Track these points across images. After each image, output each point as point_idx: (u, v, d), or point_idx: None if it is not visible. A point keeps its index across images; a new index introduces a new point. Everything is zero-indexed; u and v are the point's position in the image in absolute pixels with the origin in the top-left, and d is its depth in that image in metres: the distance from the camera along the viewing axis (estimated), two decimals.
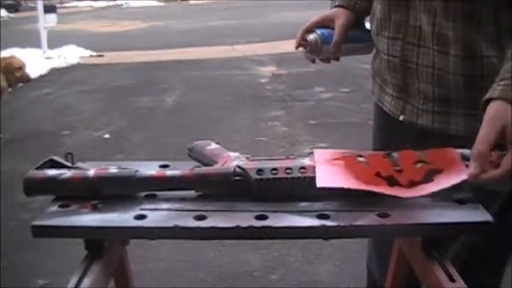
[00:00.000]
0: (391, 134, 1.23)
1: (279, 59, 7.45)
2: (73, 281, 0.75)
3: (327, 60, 1.24)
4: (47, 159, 0.91)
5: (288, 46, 8.02)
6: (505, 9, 1.00)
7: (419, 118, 1.13)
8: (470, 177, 0.81)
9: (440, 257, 0.80)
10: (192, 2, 21.69)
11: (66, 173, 0.86)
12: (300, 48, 1.23)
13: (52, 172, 0.86)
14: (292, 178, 0.85)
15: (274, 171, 0.85)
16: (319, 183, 0.83)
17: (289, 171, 0.85)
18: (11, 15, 17.18)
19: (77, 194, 0.85)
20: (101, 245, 0.82)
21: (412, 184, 0.84)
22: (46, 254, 2.50)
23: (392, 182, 0.84)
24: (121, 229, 0.80)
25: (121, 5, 21.49)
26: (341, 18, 1.20)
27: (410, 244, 0.90)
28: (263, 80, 6.35)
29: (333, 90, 5.35)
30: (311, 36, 1.19)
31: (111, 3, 21.83)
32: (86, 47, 8.80)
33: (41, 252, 2.50)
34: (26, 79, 4.52)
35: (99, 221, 0.80)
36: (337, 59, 1.24)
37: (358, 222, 0.78)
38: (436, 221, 0.79)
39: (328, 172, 0.85)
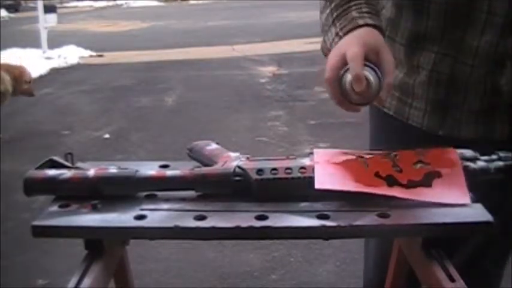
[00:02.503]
0: (414, 145, 1.18)
1: (280, 59, 7.45)
2: (73, 281, 0.75)
3: (357, 110, 0.93)
4: (47, 159, 0.91)
5: (288, 46, 8.05)
6: None
7: (461, 131, 1.09)
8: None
9: (440, 257, 0.80)
10: (192, 2, 21.70)
11: (66, 173, 0.86)
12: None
13: (52, 172, 0.86)
14: (292, 178, 0.85)
15: (274, 171, 0.85)
16: (318, 185, 0.83)
17: (289, 171, 0.85)
18: (11, 15, 17.19)
19: (77, 194, 0.85)
20: (101, 245, 0.82)
21: (412, 184, 0.84)
22: (46, 254, 2.51)
23: (391, 181, 0.84)
24: (121, 229, 0.80)
25: (121, 5, 21.52)
26: (386, 48, 0.89)
27: (410, 244, 0.90)
28: (263, 80, 6.36)
29: None
30: (369, 74, 0.85)
31: (111, 3, 21.85)
32: (86, 47, 8.81)
33: (41, 252, 2.51)
34: (30, 94, 4.56)
35: (99, 221, 0.80)
36: (381, 104, 1.01)
37: (358, 222, 0.78)
38: (436, 221, 0.79)
39: (327, 173, 0.85)
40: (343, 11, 0.97)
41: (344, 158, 0.89)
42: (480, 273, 1.21)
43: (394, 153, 0.90)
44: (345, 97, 0.88)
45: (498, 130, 1.08)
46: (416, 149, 0.90)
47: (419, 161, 0.87)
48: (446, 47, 1.06)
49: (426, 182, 0.85)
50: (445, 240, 0.81)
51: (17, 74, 4.38)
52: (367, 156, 0.89)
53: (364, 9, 0.95)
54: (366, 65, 0.85)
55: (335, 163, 0.87)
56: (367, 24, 0.92)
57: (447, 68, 1.07)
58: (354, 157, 0.89)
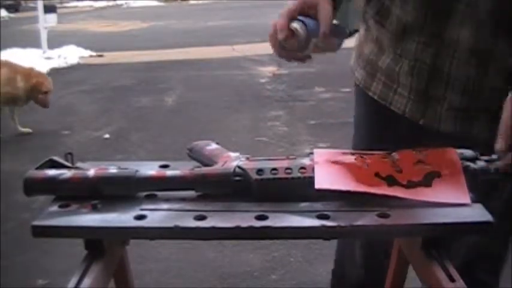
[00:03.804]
0: (391, 130, 1.19)
1: (279, 59, 7.44)
2: (73, 281, 0.75)
3: (302, 59, 1.04)
4: (47, 159, 0.91)
5: None
6: None
7: (442, 123, 1.10)
8: (499, 151, 0.84)
9: (440, 257, 0.80)
10: (192, 2, 21.71)
11: (66, 173, 0.86)
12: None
13: (52, 172, 0.86)
14: (292, 178, 0.85)
15: (274, 171, 0.85)
16: (318, 185, 0.83)
17: (289, 171, 0.85)
18: (11, 15, 17.19)
19: (77, 194, 0.85)
20: (101, 245, 0.82)
21: (411, 185, 0.84)
22: (46, 254, 2.51)
23: (391, 181, 0.84)
24: (121, 229, 0.80)
25: (121, 5, 21.52)
26: (325, 6, 0.98)
27: (410, 244, 0.90)
28: (263, 80, 6.36)
29: (333, 90, 5.35)
30: (296, 25, 0.95)
31: (111, 3, 21.86)
32: (86, 47, 8.81)
33: (41, 252, 2.51)
34: (44, 105, 4.49)
35: (99, 221, 0.80)
36: (309, 57, 1.03)
37: (358, 222, 0.78)
38: (436, 221, 0.79)
39: (327, 173, 0.85)
40: None
41: (344, 158, 0.89)
42: (472, 283, 1.21)
43: (394, 153, 0.90)
44: (282, 48, 0.99)
45: (476, 130, 1.09)
46: (416, 148, 0.91)
47: (419, 161, 0.87)
48: (427, 37, 1.07)
49: (426, 182, 0.85)
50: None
51: (34, 83, 4.35)
52: (367, 156, 0.89)
53: None
54: (298, 19, 0.96)
55: (335, 163, 0.87)
56: None
57: (429, 59, 1.08)
58: (353, 157, 0.89)
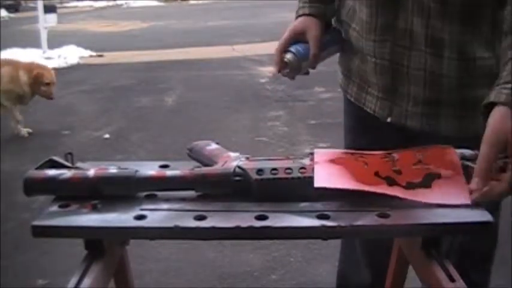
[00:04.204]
0: (372, 133, 1.21)
1: None
2: (73, 281, 0.75)
3: (306, 73, 1.20)
4: (47, 159, 0.91)
5: None
6: (501, 9, 0.98)
7: (408, 120, 1.12)
8: (473, 192, 0.81)
9: (440, 257, 0.80)
10: (192, 2, 21.71)
11: (66, 173, 0.86)
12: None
13: (52, 172, 0.86)
14: (292, 178, 0.85)
15: (274, 171, 0.85)
16: (317, 184, 0.83)
17: (289, 171, 0.85)
18: (11, 15, 17.19)
19: (77, 194, 0.85)
20: (101, 245, 0.82)
21: (411, 186, 0.84)
22: (46, 254, 2.50)
23: (391, 182, 0.84)
24: (121, 229, 0.80)
25: (121, 5, 21.52)
26: (312, 29, 1.14)
27: (410, 244, 0.90)
28: (263, 80, 6.36)
29: (333, 90, 5.34)
30: (288, 56, 1.14)
31: (111, 3, 21.86)
32: (86, 47, 8.81)
33: (41, 252, 2.51)
34: (49, 97, 4.44)
35: (99, 221, 0.80)
36: (314, 68, 1.19)
37: (358, 222, 0.78)
38: (436, 221, 0.79)
39: (326, 172, 0.85)
40: None
41: (344, 157, 0.89)
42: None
43: (394, 154, 0.90)
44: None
45: (442, 124, 1.10)
46: (416, 148, 0.91)
47: (419, 162, 0.87)
48: (382, 33, 1.10)
49: (426, 183, 0.85)
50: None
51: (35, 75, 4.32)
52: (367, 156, 0.89)
53: None
54: (288, 50, 1.15)
55: (335, 163, 0.87)
56: (304, 14, 1.18)
57: (388, 54, 1.10)
58: (353, 157, 0.89)
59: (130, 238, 0.93)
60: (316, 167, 0.86)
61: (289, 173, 0.85)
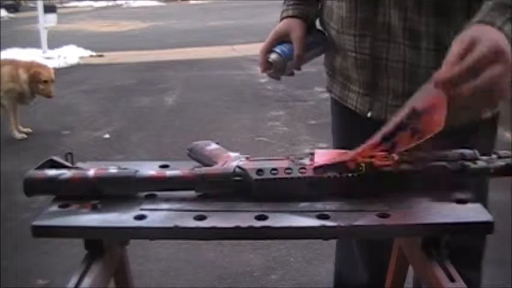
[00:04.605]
0: (356, 131, 1.22)
1: None
2: (73, 281, 0.75)
3: (290, 74, 1.22)
4: (47, 159, 0.91)
5: None
6: None
7: (388, 114, 1.13)
8: (439, 78, 0.79)
9: (440, 257, 0.80)
10: (192, 2, 21.71)
11: (66, 173, 0.86)
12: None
13: (52, 172, 0.86)
14: (292, 178, 0.85)
15: (274, 171, 0.85)
16: (316, 164, 0.84)
17: (289, 171, 0.85)
18: (11, 15, 17.19)
19: (77, 194, 0.85)
20: (101, 245, 0.82)
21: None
22: (46, 254, 2.50)
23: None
24: (121, 229, 0.80)
25: (121, 5, 21.52)
26: (296, 30, 1.17)
27: (410, 244, 0.90)
28: (263, 80, 6.35)
29: None
30: (273, 57, 1.16)
31: (111, 3, 21.86)
32: (86, 47, 8.81)
33: (41, 252, 2.51)
34: (47, 95, 4.41)
35: (99, 221, 0.80)
36: (299, 69, 1.21)
37: (358, 222, 0.78)
38: (436, 221, 0.79)
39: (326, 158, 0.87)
40: None
41: (343, 156, 0.89)
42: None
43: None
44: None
45: None
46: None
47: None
48: (362, 27, 1.11)
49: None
50: None
51: (32, 73, 4.32)
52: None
53: (291, 1, 1.24)
54: (272, 50, 1.16)
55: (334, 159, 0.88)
56: (288, 16, 1.21)
57: (368, 49, 1.12)
58: (353, 155, 0.89)
59: (130, 238, 0.93)
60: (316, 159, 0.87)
61: (289, 173, 0.85)
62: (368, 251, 1.36)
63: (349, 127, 1.26)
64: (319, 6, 1.26)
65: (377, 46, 1.10)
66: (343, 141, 1.29)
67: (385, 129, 0.87)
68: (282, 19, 1.23)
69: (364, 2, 1.10)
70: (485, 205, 1.15)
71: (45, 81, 4.34)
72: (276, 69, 1.17)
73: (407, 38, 1.07)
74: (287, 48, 1.16)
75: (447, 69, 0.79)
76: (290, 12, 1.22)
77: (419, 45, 1.06)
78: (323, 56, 1.28)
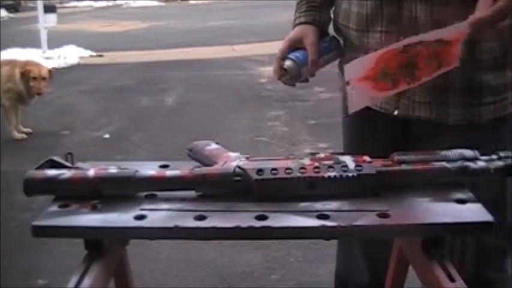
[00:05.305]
0: (379, 130, 1.23)
1: None
2: (73, 281, 0.75)
3: (305, 80, 1.23)
4: (47, 159, 0.91)
5: None
6: None
7: (415, 111, 1.13)
8: (475, 18, 0.92)
9: (440, 257, 0.80)
10: (192, 2, 21.71)
11: (66, 173, 0.86)
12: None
13: (52, 172, 0.86)
14: (292, 178, 0.85)
15: (274, 171, 0.85)
16: (352, 109, 0.90)
17: (289, 171, 0.85)
18: (11, 15, 17.20)
19: (77, 194, 0.85)
20: (101, 245, 0.82)
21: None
22: (46, 254, 2.50)
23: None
24: (121, 229, 0.80)
25: (121, 5, 21.52)
26: (309, 36, 1.18)
27: (410, 244, 0.90)
28: (263, 80, 6.36)
29: (333, 90, 5.34)
30: (287, 63, 1.17)
31: (111, 3, 21.86)
32: (86, 47, 8.81)
33: (41, 252, 2.51)
34: (36, 92, 4.37)
35: (99, 221, 0.80)
36: (313, 75, 1.22)
37: (358, 222, 0.78)
38: (436, 221, 0.79)
39: (358, 94, 0.93)
40: (297, 5, 1.27)
41: (370, 69, 0.95)
42: (483, 282, 1.21)
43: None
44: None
45: (451, 113, 1.11)
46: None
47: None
48: (388, 24, 1.12)
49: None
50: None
51: (22, 72, 4.31)
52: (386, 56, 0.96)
53: (303, 9, 1.24)
54: (287, 57, 1.18)
55: (365, 79, 0.95)
56: (300, 23, 1.22)
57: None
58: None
59: (130, 238, 0.93)
60: (348, 91, 0.94)
61: (289, 173, 0.85)
62: (369, 251, 1.36)
63: (372, 127, 1.25)
64: (332, 13, 1.27)
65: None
66: (362, 140, 1.28)
67: (407, 40, 0.95)
68: (294, 26, 1.23)
69: None
70: (505, 205, 1.16)
71: (34, 78, 4.31)
72: (291, 76, 1.18)
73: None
74: (301, 55, 1.17)
75: (480, 12, 0.91)
76: (303, 19, 1.22)
77: None
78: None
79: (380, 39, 1.13)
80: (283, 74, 1.19)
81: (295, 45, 1.19)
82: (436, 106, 1.12)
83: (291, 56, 1.18)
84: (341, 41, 1.25)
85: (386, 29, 1.12)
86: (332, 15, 1.28)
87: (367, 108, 1.21)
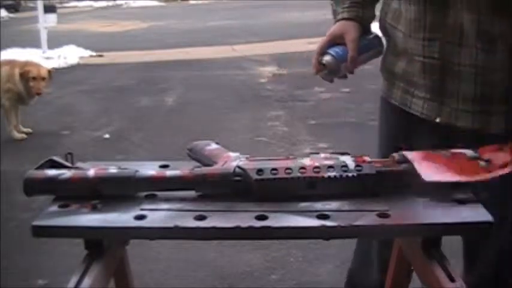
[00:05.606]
0: (421, 136, 1.20)
1: (279, 59, 7.45)
2: (73, 281, 0.76)
3: (344, 77, 1.22)
4: (47, 159, 0.91)
5: (288, 46, 8.06)
6: None
7: (458, 119, 1.11)
8: None
9: (440, 257, 0.80)
10: (192, 2, 21.70)
11: (66, 173, 0.86)
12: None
13: (52, 172, 0.86)
14: (292, 178, 0.85)
15: (274, 171, 0.85)
16: (427, 178, 0.82)
17: (289, 171, 0.85)
18: (11, 15, 17.20)
19: (77, 194, 0.85)
20: (101, 245, 0.82)
21: (506, 165, 0.85)
22: (46, 254, 2.50)
23: (487, 167, 0.85)
24: (121, 229, 0.80)
25: (121, 5, 21.51)
26: (351, 32, 1.17)
27: (410, 244, 0.90)
28: (263, 80, 6.36)
29: (333, 90, 5.35)
30: (327, 58, 1.16)
31: (111, 3, 21.85)
32: (86, 47, 8.81)
33: (41, 252, 2.51)
34: (36, 92, 4.36)
35: (99, 221, 0.80)
36: (352, 72, 1.20)
37: (358, 222, 0.78)
38: (436, 221, 0.79)
39: (429, 166, 0.85)
40: (339, 0, 1.27)
41: (437, 157, 0.89)
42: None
43: (470, 151, 0.91)
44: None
45: (493, 122, 1.09)
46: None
47: (500, 149, 0.89)
48: (431, 30, 1.09)
49: None
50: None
51: (21, 72, 4.31)
52: (454, 156, 0.90)
53: (346, 4, 1.23)
54: (326, 52, 1.17)
55: (432, 161, 0.88)
56: (342, 18, 1.21)
57: (437, 53, 1.10)
58: (443, 156, 0.90)
59: (130, 238, 0.93)
60: (416, 163, 0.86)
61: (289, 173, 0.85)
62: (385, 253, 1.35)
63: (412, 131, 1.22)
64: (383, 11, 1.25)
65: (447, 50, 1.08)
66: (401, 144, 1.26)
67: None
68: (336, 21, 1.22)
69: (434, 4, 1.08)
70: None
71: (34, 78, 4.31)
72: (329, 71, 1.17)
73: (481, 41, 1.04)
74: (341, 50, 1.16)
75: None
76: (345, 15, 1.21)
77: (494, 48, 1.04)
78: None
79: (422, 47, 1.11)
80: (321, 68, 1.18)
81: (336, 41, 1.18)
82: (479, 115, 1.10)
83: (330, 51, 1.17)
84: (383, 41, 1.23)
85: (429, 36, 1.10)
86: (379, 13, 1.26)
87: (408, 113, 1.20)
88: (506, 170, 0.83)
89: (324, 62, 1.17)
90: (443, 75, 1.10)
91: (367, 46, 1.20)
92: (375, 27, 1.26)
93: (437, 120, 1.14)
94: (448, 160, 0.88)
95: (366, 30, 1.22)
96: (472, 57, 1.06)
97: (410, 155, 0.89)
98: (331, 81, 1.23)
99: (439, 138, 1.11)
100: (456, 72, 1.09)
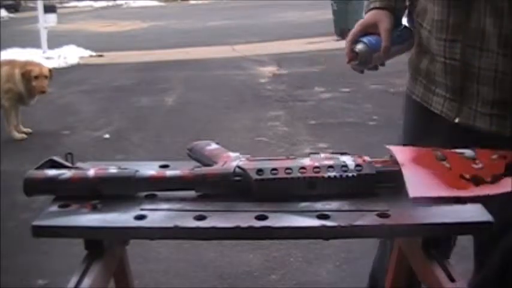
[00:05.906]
0: (439, 134, 1.20)
1: (279, 59, 7.45)
2: (73, 281, 0.76)
3: (374, 68, 1.18)
4: (47, 159, 0.91)
5: (288, 46, 8.06)
6: None
7: (476, 121, 1.11)
8: None
9: (440, 257, 0.80)
10: (192, 2, 21.72)
11: (66, 173, 0.86)
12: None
13: (52, 172, 0.86)
14: (292, 178, 0.85)
15: (274, 171, 0.85)
16: (413, 194, 0.81)
17: (289, 171, 0.85)
18: (11, 15, 17.21)
19: (77, 194, 0.85)
20: (101, 245, 0.82)
21: (496, 179, 0.84)
22: (46, 254, 2.50)
23: (477, 181, 0.84)
24: (121, 229, 0.80)
25: (121, 5, 21.53)
26: (384, 21, 1.14)
27: (410, 244, 0.90)
28: (263, 80, 6.36)
29: (333, 90, 5.35)
30: (360, 47, 1.13)
31: (111, 3, 21.87)
32: (86, 47, 8.81)
33: (41, 252, 2.50)
34: (40, 90, 4.36)
35: (99, 221, 0.80)
36: (383, 64, 1.17)
37: (358, 222, 0.78)
38: (436, 221, 0.79)
39: (419, 180, 0.84)
40: None
41: (426, 158, 0.89)
42: None
43: (469, 151, 0.90)
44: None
45: (510, 125, 1.09)
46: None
47: (497, 155, 0.88)
48: (453, 32, 1.09)
49: (509, 172, 0.85)
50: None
51: (23, 72, 4.31)
52: (447, 156, 0.89)
53: None
54: (359, 40, 1.14)
55: (419, 165, 0.87)
56: (375, 7, 1.18)
57: (458, 55, 1.10)
58: (434, 157, 0.89)
59: (130, 238, 0.93)
60: (405, 173, 0.84)
61: (289, 173, 0.85)
62: None
63: (430, 129, 1.23)
64: (408, 4, 1.23)
65: (468, 52, 1.08)
66: (420, 141, 1.27)
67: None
68: (368, 10, 1.19)
69: (457, 7, 1.07)
70: None
71: (36, 77, 4.31)
72: (360, 61, 1.14)
73: (502, 46, 1.04)
74: (374, 39, 1.13)
75: None
76: (378, 4, 1.18)
77: None
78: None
79: (443, 48, 1.11)
80: (353, 57, 1.14)
81: (368, 30, 1.15)
82: (496, 118, 1.10)
83: (363, 39, 1.14)
84: (414, 33, 1.22)
85: (451, 37, 1.10)
86: (408, 6, 1.24)
87: (429, 110, 1.20)
88: (491, 191, 0.83)
89: (356, 50, 1.13)
90: (464, 76, 1.10)
91: (400, 38, 1.17)
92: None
93: (457, 120, 1.14)
94: (439, 168, 0.87)
95: (397, 21, 1.19)
96: (492, 62, 1.06)
97: (400, 155, 0.88)
98: (362, 72, 1.20)
99: (456, 139, 1.11)
100: (476, 75, 1.09)
